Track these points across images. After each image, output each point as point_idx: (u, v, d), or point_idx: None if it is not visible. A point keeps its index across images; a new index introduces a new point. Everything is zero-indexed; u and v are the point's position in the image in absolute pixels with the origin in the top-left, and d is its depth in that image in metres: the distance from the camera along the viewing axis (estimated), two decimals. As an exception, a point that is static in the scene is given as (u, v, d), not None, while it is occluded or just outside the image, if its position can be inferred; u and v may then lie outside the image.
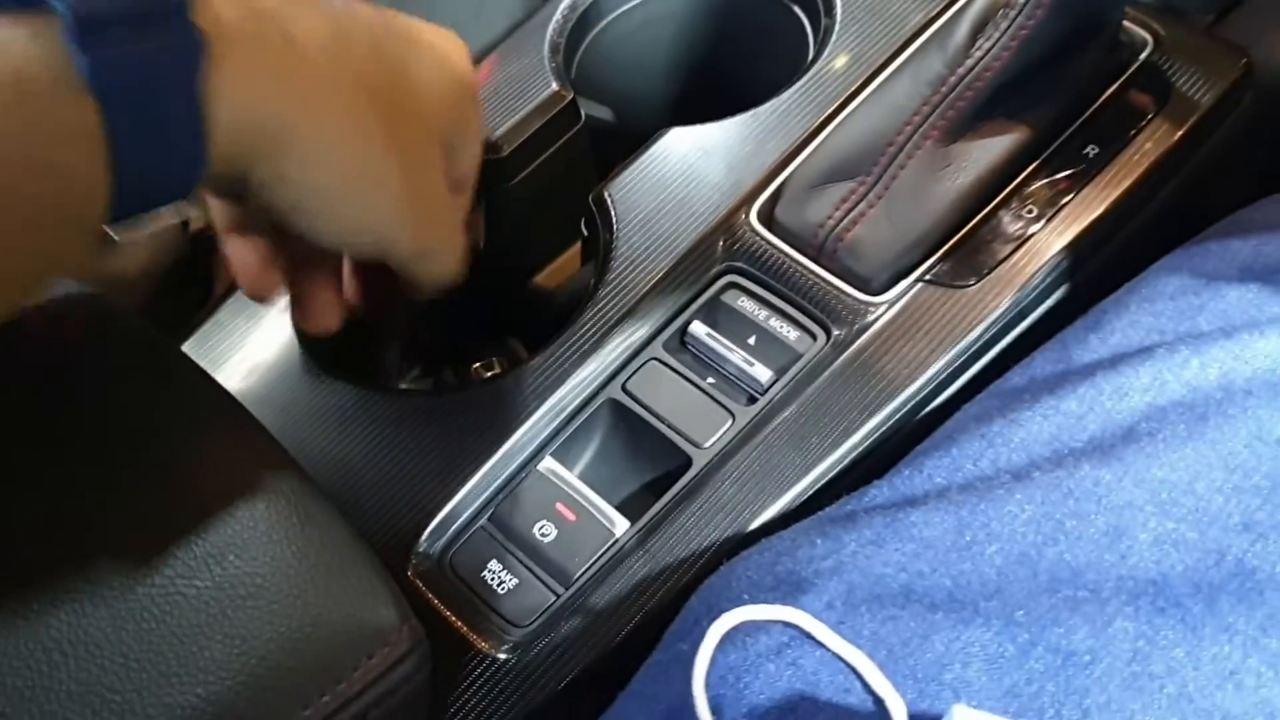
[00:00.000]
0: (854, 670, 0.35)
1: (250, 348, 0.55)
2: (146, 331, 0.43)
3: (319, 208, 0.40)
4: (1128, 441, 0.41)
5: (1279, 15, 0.62)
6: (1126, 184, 0.52)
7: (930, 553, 0.38)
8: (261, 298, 0.48)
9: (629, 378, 0.51)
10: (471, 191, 0.50)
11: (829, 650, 0.35)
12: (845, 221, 0.52)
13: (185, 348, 0.56)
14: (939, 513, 0.40)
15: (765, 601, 0.37)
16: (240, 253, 0.47)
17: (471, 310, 0.62)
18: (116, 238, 0.35)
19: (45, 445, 0.39)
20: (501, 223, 0.59)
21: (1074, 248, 0.51)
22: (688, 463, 0.48)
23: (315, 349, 0.54)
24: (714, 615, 0.37)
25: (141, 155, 0.33)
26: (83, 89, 0.31)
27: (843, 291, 0.51)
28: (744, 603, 0.37)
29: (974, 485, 0.42)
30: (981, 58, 0.52)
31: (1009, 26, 0.52)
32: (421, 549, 0.48)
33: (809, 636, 0.36)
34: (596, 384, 0.51)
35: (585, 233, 0.58)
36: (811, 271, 0.52)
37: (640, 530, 0.47)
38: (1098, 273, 0.52)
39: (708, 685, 0.36)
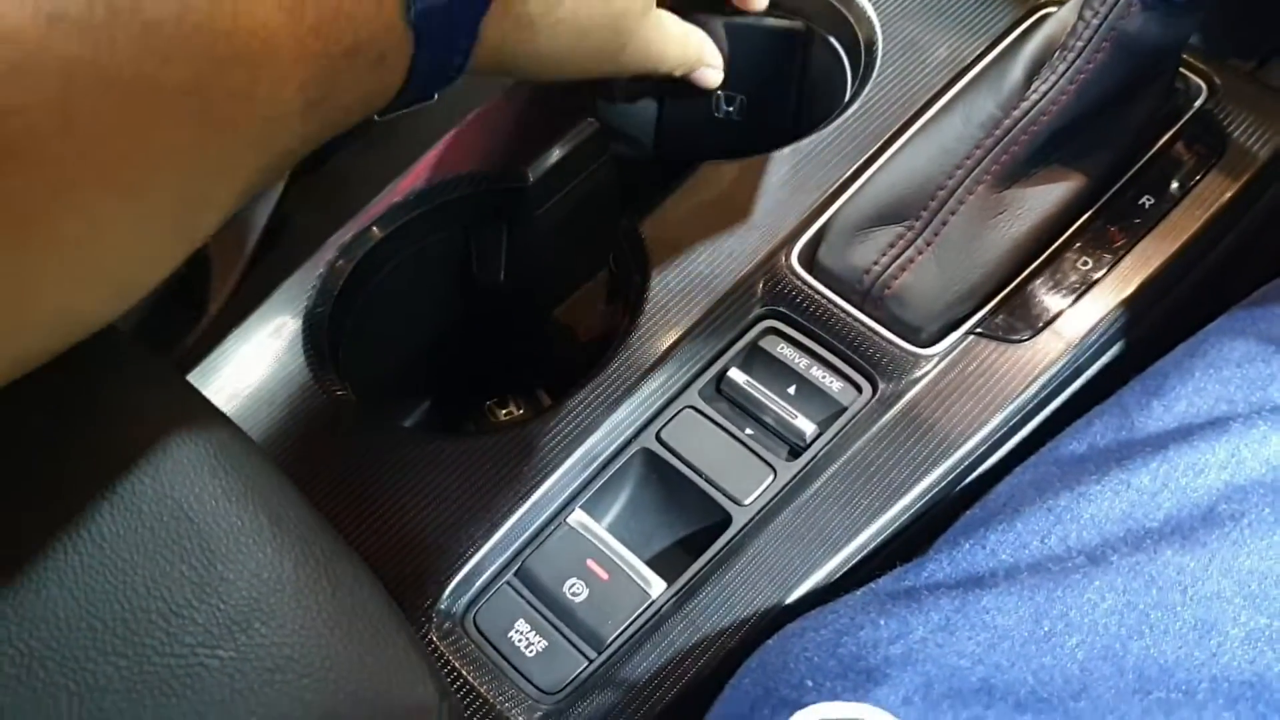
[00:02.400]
0: (939, 772, 0.32)
1: (262, 384, 0.52)
2: (158, 365, 0.39)
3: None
4: (1209, 525, 0.38)
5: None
6: (1184, 238, 0.50)
7: (1007, 644, 0.36)
8: None
9: (663, 426, 0.48)
10: None
11: (911, 749, 0.32)
12: (893, 268, 0.49)
13: (192, 377, 0.52)
14: (1012, 597, 0.37)
15: (831, 689, 0.34)
16: None
17: (491, 344, 0.59)
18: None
19: (47, 494, 0.36)
20: (525, 252, 0.57)
21: (1131, 303, 0.49)
22: (727, 520, 0.46)
23: (332, 386, 0.51)
24: (775, 703, 0.34)
25: (428, 67, 0.39)
26: (409, 23, 0.37)
27: (890, 342, 0.49)
28: (808, 690, 0.34)
29: (1045, 566, 0.39)
30: (1038, 100, 0.50)
31: (1067, 69, 0.49)
32: (443, 607, 0.45)
33: (888, 732, 0.33)
34: (629, 432, 0.48)
35: (613, 268, 0.55)
36: (856, 319, 0.50)
37: (678, 593, 0.44)
38: (1155, 329, 0.50)
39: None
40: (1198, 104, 0.54)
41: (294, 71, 0.34)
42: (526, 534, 0.46)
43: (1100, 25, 0.49)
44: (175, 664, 0.32)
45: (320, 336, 0.52)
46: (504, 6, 0.42)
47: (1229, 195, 0.51)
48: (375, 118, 0.41)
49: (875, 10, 0.59)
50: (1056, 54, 0.50)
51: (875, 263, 0.50)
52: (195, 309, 0.71)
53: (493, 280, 0.56)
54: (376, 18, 0.36)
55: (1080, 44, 0.49)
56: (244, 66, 0.32)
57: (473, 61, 0.42)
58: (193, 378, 0.54)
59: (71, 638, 0.31)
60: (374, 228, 0.55)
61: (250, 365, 0.52)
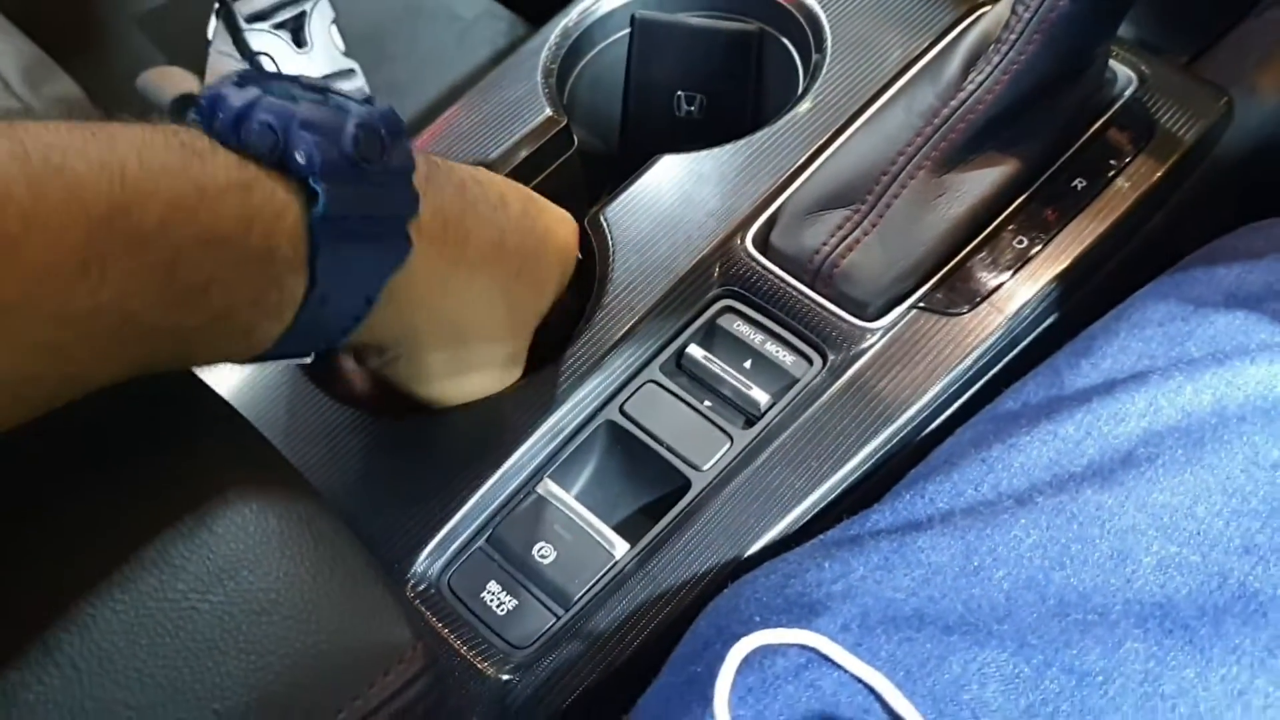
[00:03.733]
0: (873, 691, 0.35)
1: (245, 367, 0.55)
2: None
3: (433, 389, 0.50)
4: (1127, 466, 0.41)
5: (1254, 56, 0.64)
6: (1114, 217, 0.54)
7: (939, 578, 0.39)
8: None
9: (626, 399, 0.51)
10: None
11: (847, 672, 0.35)
12: (840, 248, 0.52)
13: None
14: (945, 537, 0.40)
15: (777, 624, 0.37)
16: None
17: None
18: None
19: (51, 462, 0.38)
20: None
21: (1063, 277, 0.52)
22: (686, 485, 0.49)
23: (313, 369, 0.54)
24: (726, 638, 0.37)
25: (316, 316, 0.39)
26: (303, 265, 0.37)
27: (838, 317, 0.52)
28: (756, 625, 0.37)
29: (977, 510, 0.42)
30: (974, 90, 0.53)
31: (1000, 61, 0.53)
32: (419, 570, 0.48)
33: (826, 659, 0.36)
34: (594, 406, 0.51)
35: (580, 255, 0.58)
36: (807, 297, 0.53)
37: (640, 552, 0.47)
38: (1086, 301, 0.53)
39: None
40: (1127, 93, 0.57)
41: None
42: (498, 502, 0.49)
43: (1031, 19, 0.52)
44: (169, 607, 0.34)
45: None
46: (421, 268, 0.43)
47: (1156, 177, 0.55)
48: None
49: (824, 11, 0.62)
50: (991, 47, 0.53)
51: (824, 243, 0.53)
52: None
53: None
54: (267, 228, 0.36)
55: (1013, 37, 0.52)
56: None
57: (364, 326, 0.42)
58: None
59: (74, 584, 0.34)
60: None
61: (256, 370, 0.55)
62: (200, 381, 0.42)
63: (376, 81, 0.79)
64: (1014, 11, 0.53)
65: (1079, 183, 0.55)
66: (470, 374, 0.50)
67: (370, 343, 0.46)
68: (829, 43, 0.61)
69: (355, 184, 0.38)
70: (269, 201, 0.36)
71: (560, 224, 0.53)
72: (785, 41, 0.64)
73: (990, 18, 0.55)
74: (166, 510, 0.37)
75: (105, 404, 0.40)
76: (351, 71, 0.79)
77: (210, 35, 0.78)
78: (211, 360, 0.39)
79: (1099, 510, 0.40)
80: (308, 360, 0.42)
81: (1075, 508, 0.40)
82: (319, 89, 0.40)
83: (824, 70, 0.60)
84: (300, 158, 0.36)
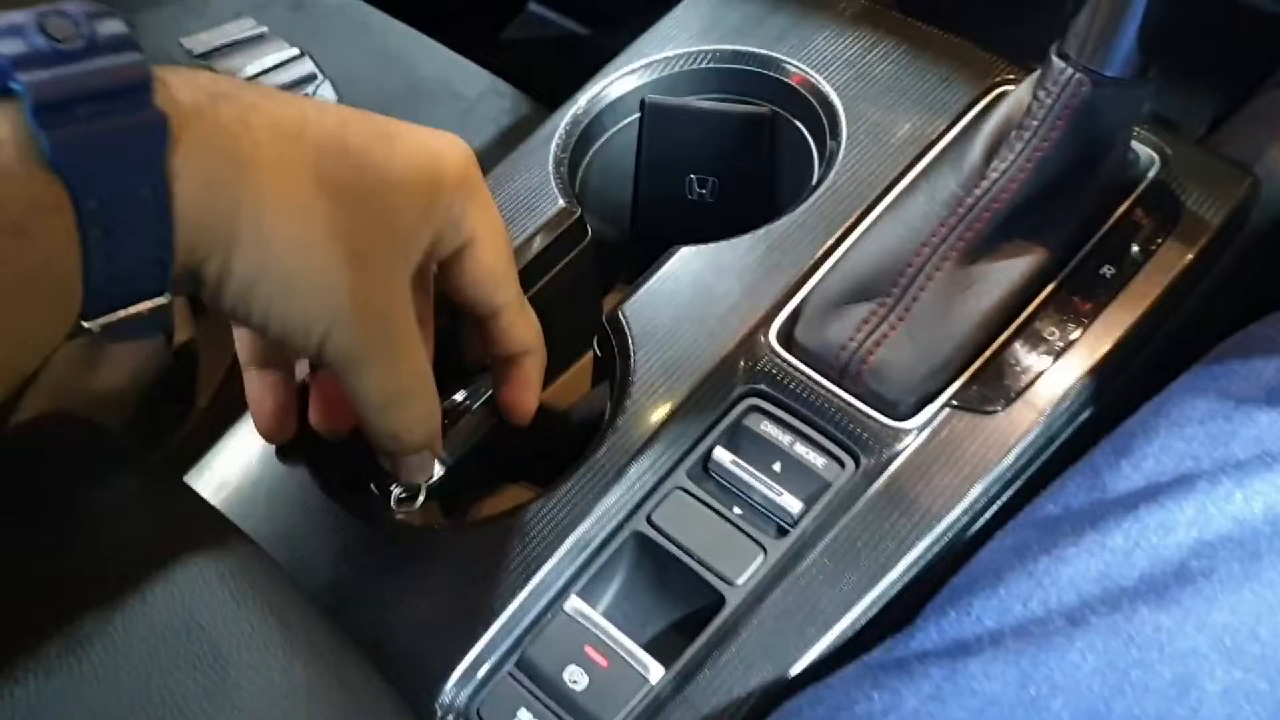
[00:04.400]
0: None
1: (254, 478, 0.53)
2: (152, 465, 0.40)
3: (263, 300, 0.39)
4: (1181, 582, 0.40)
5: (1273, 130, 0.63)
6: (1145, 305, 0.52)
7: (995, 709, 0.37)
8: (275, 439, 0.46)
9: (654, 508, 0.49)
10: (506, 316, 0.49)
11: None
12: (868, 344, 0.51)
13: (187, 477, 0.53)
14: (998, 663, 0.38)
15: (832, 766, 0.35)
16: (259, 391, 0.45)
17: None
18: (93, 328, 0.36)
19: (56, 604, 0.36)
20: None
21: (1098, 370, 0.51)
22: (720, 600, 0.47)
23: (324, 475, 0.52)
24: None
25: (109, 236, 0.34)
26: (49, 166, 0.33)
27: (869, 417, 0.50)
28: (809, 767, 0.35)
29: (1028, 630, 0.40)
30: (998, 178, 0.52)
31: (1024, 148, 0.52)
32: (447, 700, 0.46)
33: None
34: (620, 516, 0.49)
35: (598, 353, 0.57)
36: (835, 395, 0.51)
37: (676, 676, 0.45)
38: (1121, 391, 0.52)
39: None
40: (1151, 174, 0.56)
41: None
42: (525, 622, 0.47)
43: (1054, 104, 0.51)
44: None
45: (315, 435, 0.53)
46: (199, 139, 0.36)
47: (1186, 261, 0.53)
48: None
49: (838, 94, 0.61)
50: (1014, 133, 0.52)
51: (851, 339, 0.51)
52: (183, 405, 0.72)
53: (478, 369, 0.57)
54: None
55: (1036, 123, 0.52)
56: None
57: (177, 246, 0.36)
58: (188, 476, 0.55)
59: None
60: None
61: (244, 460, 0.53)
62: (217, 513, 0.41)
63: (379, 163, 0.78)
64: (1036, 97, 0.52)
65: (1107, 270, 0.54)
66: (297, 282, 0.40)
67: (191, 263, 0.38)
68: (844, 125, 0.60)
69: (60, 65, 0.33)
70: None
71: (423, 149, 0.45)
72: (798, 124, 0.63)
73: (1010, 102, 0.54)
74: (188, 661, 0.35)
75: (116, 544, 0.38)
76: (354, 155, 0.77)
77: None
78: (15, 327, 0.33)
79: (1157, 632, 0.38)
80: (163, 301, 0.36)
81: (1132, 629, 0.39)
82: None
83: (840, 155, 0.59)
84: None
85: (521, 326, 0.50)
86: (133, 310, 0.36)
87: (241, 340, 0.47)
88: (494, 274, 0.48)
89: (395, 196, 0.42)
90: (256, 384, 0.47)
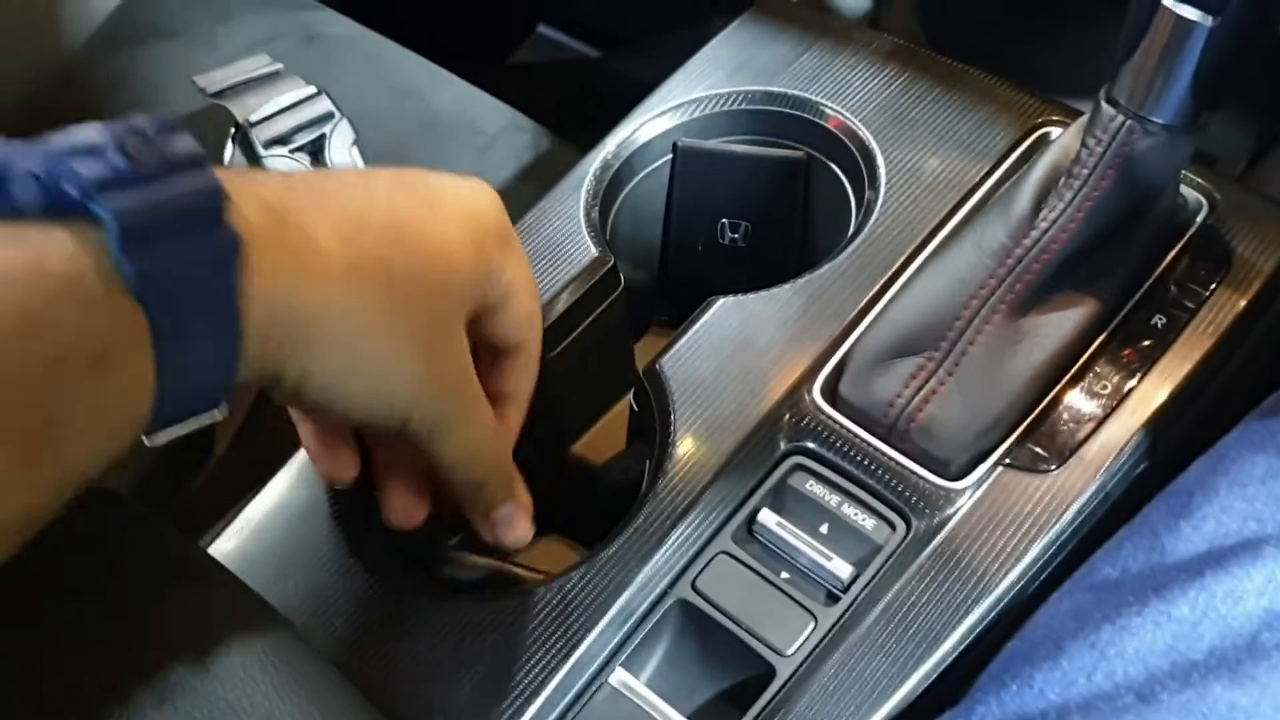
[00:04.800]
0: None
1: (281, 541, 0.51)
2: (197, 554, 0.39)
3: (342, 395, 0.40)
4: (1255, 656, 0.38)
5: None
6: (1199, 355, 0.51)
7: None
8: (337, 480, 0.47)
9: (698, 575, 0.48)
10: (525, 356, 0.48)
11: None
12: (916, 400, 0.50)
13: (217, 548, 0.51)
14: None
15: None
16: (311, 435, 0.46)
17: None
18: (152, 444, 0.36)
19: (93, 693, 0.35)
20: (543, 394, 0.56)
21: (1153, 424, 0.49)
22: (771, 672, 0.45)
23: (356, 540, 0.50)
24: None
25: (182, 356, 0.34)
26: (128, 292, 0.32)
27: (920, 477, 0.49)
28: None
29: (1095, 706, 0.39)
30: (1048, 229, 0.51)
31: (1074, 197, 0.50)
32: (491, 782, 0.44)
33: None
34: (664, 583, 0.48)
35: (635, 407, 0.55)
36: (884, 454, 0.50)
37: (728, 754, 0.44)
38: (1176, 445, 0.51)
39: None
40: (1199, 219, 0.55)
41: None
42: (568, 697, 0.45)
43: (1105, 153, 0.50)
44: None
45: (344, 496, 0.51)
46: (270, 261, 0.36)
47: (1239, 309, 0.52)
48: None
49: (875, 137, 0.60)
50: (1062, 181, 0.51)
51: (899, 395, 0.50)
52: (200, 452, 0.71)
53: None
54: (73, 294, 0.31)
55: (1086, 171, 0.50)
56: None
57: (248, 361, 0.36)
58: (211, 533, 0.53)
59: None
60: None
61: (273, 527, 0.51)
62: (255, 598, 0.39)
63: (398, 202, 0.77)
64: (1085, 144, 0.51)
65: (1159, 320, 0.52)
66: (374, 381, 0.41)
67: (265, 373, 0.38)
68: (882, 170, 0.59)
69: (140, 188, 0.33)
70: (60, 251, 0.32)
71: (464, 195, 0.45)
72: (834, 168, 0.62)
73: (1057, 148, 0.53)
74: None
75: (153, 631, 0.37)
76: (373, 194, 0.76)
77: (226, 161, 0.76)
78: (89, 451, 0.33)
79: (1232, 710, 0.37)
80: (220, 417, 0.36)
81: (1205, 707, 0.37)
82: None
83: (879, 201, 0.58)
84: (71, 189, 0.32)
85: (533, 370, 0.50)
86: (191, 426, 0.36)
87: (305, 424, 0.47)
88: (529, 317, 0.48)
89: (448, 263, 0.43)
90: (309, 429, 0.46)
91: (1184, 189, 0.56)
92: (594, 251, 0.57)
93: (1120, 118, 0.49)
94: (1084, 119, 0.52)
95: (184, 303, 0.34)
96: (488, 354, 0.48)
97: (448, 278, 0.43)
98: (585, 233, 0.58)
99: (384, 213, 0.42)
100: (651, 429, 0.52)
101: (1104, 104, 0.50)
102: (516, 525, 0.49)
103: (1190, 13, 0.47)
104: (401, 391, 0.41)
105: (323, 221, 0.39)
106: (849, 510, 0.49)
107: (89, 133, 0.33)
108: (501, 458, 0.48)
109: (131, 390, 0.33)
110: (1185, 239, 0.54)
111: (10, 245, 0.31)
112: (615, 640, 0.47)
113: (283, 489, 0.52)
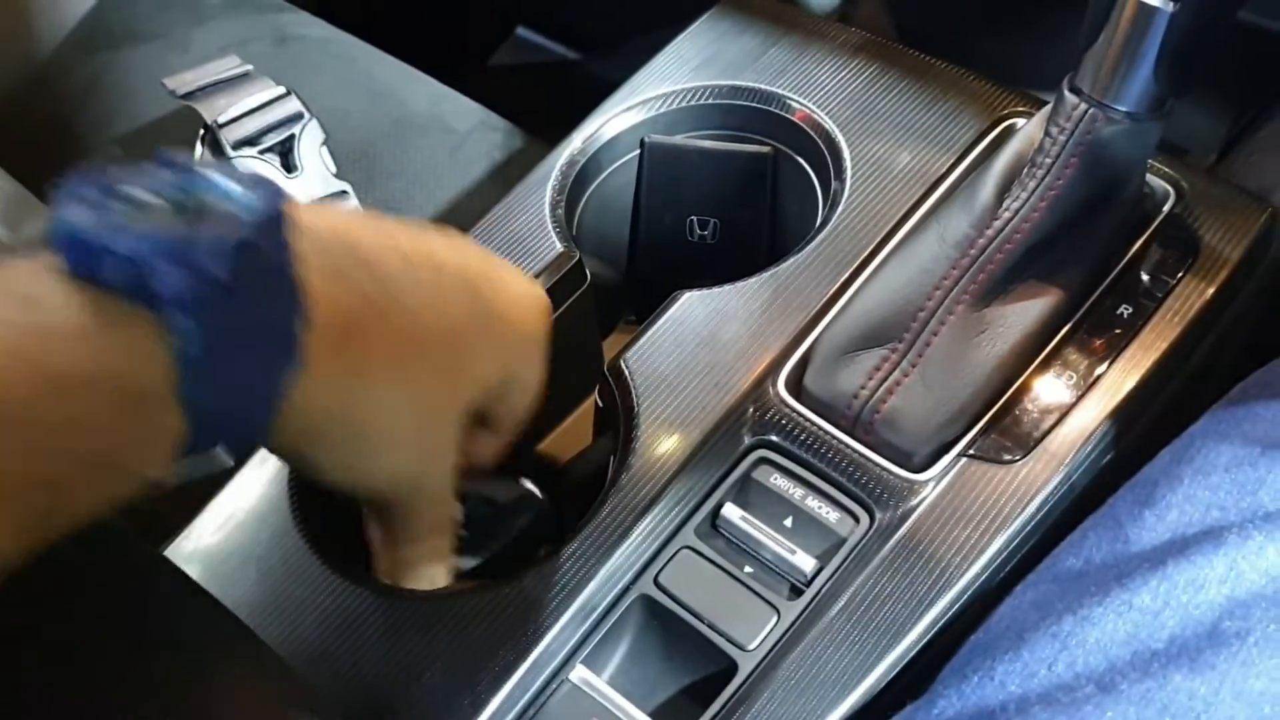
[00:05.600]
0: None
1: (241, 546, 0.51)
2: (156, 558, 0.38)
3: (356, 472, 0.42)
4: (1215, 644, 0.38)
5: (1288, 159, 0.62)
6: (1165, 345, 0.51)
7: None
8: None
9: (661, 569, 0.47)
10: (510, 434, 0.48)
11: None
12: (880, 392, 0.49)
13: (177, 549, 0.51)
14: None
15: None
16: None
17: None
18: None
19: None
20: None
21: (1119, 414, 0.49)
22: (732, 666, 0.45)
23: (315, 542, 0.50)
24: None
25: (209, 439, 0.34)
26: (178, 400, 0.33)
27: (883, 469, 0.48)
28: None
29: (1055, 697, 0.38)
30: (1011, 218, 0.50)
31: (1037, 186, 0.50)
32: (448, 780, 0.44)
33: None
34: (627, 578, 0.47)
35: (600, 403, 0.55)
36: (848, 446, 0.49)
37: (688, 749, 0.43)
38: (1141, 435, 0.50)
39: None
40: (1166, 208, 0.55)
41: None
42: (528, 695, 0.45)
43: (1068, 141, 0.50)
44: None
45: (305, 499, 0.51)
46: (330, 365, 0.37)
47: (1206, 298, 0.52)
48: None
49: (841, 130, 0.59)
50: (1025, 170, 0.51)
51: (862, 387, 0.50)
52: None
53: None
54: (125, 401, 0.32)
55: (1049, 160, 0.50)
56: None
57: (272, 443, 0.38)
58: (174, 543, 0.52)
59: None
60: None
61: (230, 527, 0.51)
62: (206, 594, 0.39)
63: (369, 201, 0.76)
64: (1048, 133, 0.50)
65: (1124, 309, 0.52)
66: (384, 461, 0.42)
67: (286, 455, 0.41)
68: (848, 163, 0.58)
69: (230, 307, 0.33)
70: (130, 344, 0.32)
71: (517, 304, 0.46)
72: (801, 161, 0.61)
73: (1021, 138, 0.52)
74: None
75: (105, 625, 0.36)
76: (344, 193, 0.76)
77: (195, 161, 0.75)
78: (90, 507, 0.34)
79: (1192, 699, 0.36)
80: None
81: (1165, 696, 0.37)
82: (187, 178, 0.34)
83: (845, 193, 0.57)
84: (163, 289, 0.32)
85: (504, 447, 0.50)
86: None
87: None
88: (525, 408, 0.48)
89: (478, 370, 0.44)
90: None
91: (1151, 178, 0.55)
92: (559, 247, 0.57)
93: (1083, 105, 0.49)
94: (1048, 108, 0.51)
95: (227, 403, 0.34)
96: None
97: (474, 380, 0.44)
98: (550, 228, 0.58)
99: (444, 318, 0.42)
100: (615, 422, 0.52)
101: (1067, 92, 0.50)
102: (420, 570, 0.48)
103: (1150, -1, 0.47)
104: (406, 469, 0.43)
105: (386, 331, 0.40)
106: (813, 503, 0.48)
107: (200, 230, 0.33)
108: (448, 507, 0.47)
109: (147, 460, 0.33)
110: (1152, 228, 0.54)
111: (91, 314, 0.31)
112: (576, 637, 0.46)
113: (242, 487, 0.51)
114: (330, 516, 0.49)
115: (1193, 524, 0.42)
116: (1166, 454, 0.46)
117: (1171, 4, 0.46)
